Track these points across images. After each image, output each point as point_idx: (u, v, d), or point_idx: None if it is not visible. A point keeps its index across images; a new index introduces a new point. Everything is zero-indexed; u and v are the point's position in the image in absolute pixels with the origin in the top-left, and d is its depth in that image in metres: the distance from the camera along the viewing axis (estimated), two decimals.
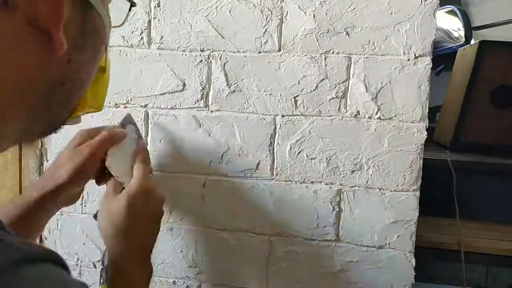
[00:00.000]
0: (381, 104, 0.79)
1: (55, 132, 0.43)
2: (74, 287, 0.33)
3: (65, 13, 0.32)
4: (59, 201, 0.66)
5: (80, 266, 0.94)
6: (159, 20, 0.85)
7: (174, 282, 0.91)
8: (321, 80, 0.80)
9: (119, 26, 0.49)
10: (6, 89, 0.33)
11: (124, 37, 0.87)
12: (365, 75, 0.79)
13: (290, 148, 0.83)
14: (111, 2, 0.44)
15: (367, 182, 0.81)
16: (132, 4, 0.48)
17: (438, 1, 0.75)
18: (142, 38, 0.86)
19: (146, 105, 0.87)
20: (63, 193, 0.64)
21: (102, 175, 0.68)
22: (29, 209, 0.62)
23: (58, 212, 0.93)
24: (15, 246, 0.29)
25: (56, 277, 0.31)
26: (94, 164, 0.65)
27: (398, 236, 0.81)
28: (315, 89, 0.81)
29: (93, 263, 0.94)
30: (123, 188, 0.64)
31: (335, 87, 0.80)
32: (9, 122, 0.35)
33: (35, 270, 0.29)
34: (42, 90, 0.35)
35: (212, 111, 0.85)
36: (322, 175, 0.82)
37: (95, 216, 0.67)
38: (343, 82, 0.80)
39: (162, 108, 0.87)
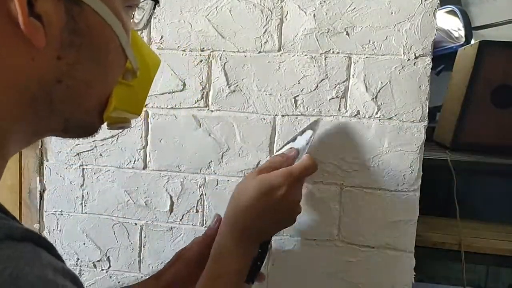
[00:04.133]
0: (381, 104, 0.79)
1: (93, 133, 0.44)
2: (50, 271, 0.29)
3: (42, 7, 0.33)
4: None
5: (80, 266, 0.94)
6: (159, 20, 0.85)
7: None
8: (321, 80, 0.80)
9: (142, 29, 0.48)
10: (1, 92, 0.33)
11: None
12: (365, 75, 0.79)
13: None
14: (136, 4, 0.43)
15: (367, 182, 0.81)
16: (156, 3, 0.46)
17: (438, 1, 0.75)
18: (142, 38, 0.86)
19: (146, 105, 0.87)
20: None
21: None
22: None
23: (58, 212, 0.94)
24: None
25: (31, 257, 0.29)
26: None
27: (398, 236, 0.81)
28: (315, 89, 0.81)
29: (93, 262, 0.94)
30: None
31: (335, 87, 0.80)
32: (12, 124, 0.35)
33: (13, 249, 0.28)
34: (36, 88, 0.36)
35: (212, 111, 0.85)
36: (323, 175, 0.82)
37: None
38: (343, 82, 0.80)
39: (162, 108, 0.87)
